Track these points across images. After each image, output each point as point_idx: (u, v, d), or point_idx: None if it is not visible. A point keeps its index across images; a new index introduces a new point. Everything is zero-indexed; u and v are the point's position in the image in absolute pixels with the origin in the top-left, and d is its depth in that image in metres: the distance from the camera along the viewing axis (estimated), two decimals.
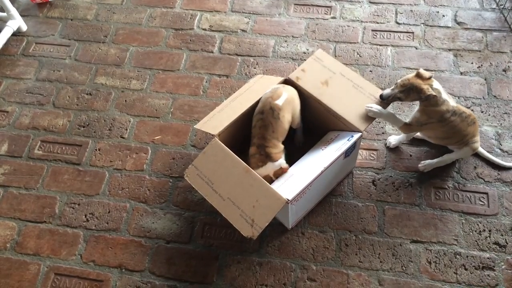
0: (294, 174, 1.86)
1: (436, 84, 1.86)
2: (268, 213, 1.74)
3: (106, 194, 2.19)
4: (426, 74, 1.86)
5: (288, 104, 1.94)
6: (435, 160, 2.10)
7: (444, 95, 1.88)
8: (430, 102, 1.86)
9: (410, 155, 2.19)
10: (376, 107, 1.90)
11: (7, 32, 2.74)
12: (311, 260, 1.95)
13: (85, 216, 2.13)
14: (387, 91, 1.91)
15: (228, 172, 1.84)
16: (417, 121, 1.93)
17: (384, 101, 1.92)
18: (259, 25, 2.77)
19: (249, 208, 1.77)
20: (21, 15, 2.85)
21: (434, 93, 1.83)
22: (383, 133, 2.27)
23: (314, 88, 2.03)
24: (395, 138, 2.19)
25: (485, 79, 2.42)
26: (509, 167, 2.11)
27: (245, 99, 2.04)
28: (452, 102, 1.90)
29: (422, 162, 2.13)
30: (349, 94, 1.99)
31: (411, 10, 2.75)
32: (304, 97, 2.05)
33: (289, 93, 1.97)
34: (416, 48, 2.58)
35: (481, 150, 2.13)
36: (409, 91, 1.85)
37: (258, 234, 1.72)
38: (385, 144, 2.22)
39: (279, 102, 1.92)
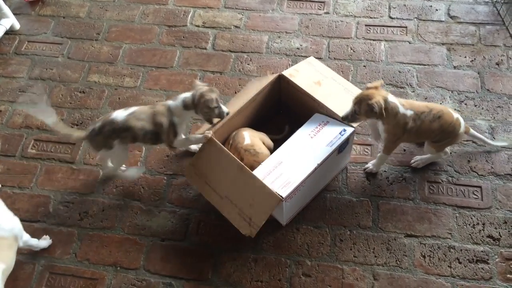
0: (283, 162, 1.84)
1: (391, 97, 1.84)
2: (265, 212, 1.74)
3: (100, 192, 2.18)
4: (373, 84, 1.84)
5: (255, 137, 1.99)
6: (426, 156, 2.11)
7: (401, 109, 1.84)
8: (388, 117, 1.83)
9: (404, 150, 2.19)
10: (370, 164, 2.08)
11: (0, 30, 2.72)
12: (306, 256, 1.96)
13: (79, 214, 2.12)
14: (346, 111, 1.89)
15: (223, 170, 1.84)
16: (390, 141, 1.94)
17: (346, 121, 1.89)
18: (253, 21, 2.76)
19: (246, 207, 1.77)
20: (13, 14, 2.82)
21: (380, 102, 1.78)
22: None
23: (307, 86, 2.03)
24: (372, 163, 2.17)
25: (478, 73, 2.42)
26: (499, 146, 2.12)
27: (240, 97, 2.04)
28: (409, 112, 1.86)
29: (415, 158, 2.13)
30: (341, 95, 2.00)
31: (404, 5, 2.74)
32: (298, 93, 2.05)
33: (247, 130, 2.02)
34: (410, 43, 2.58)
35: (473, 132, 2.08)
36: (361, 102, 1.80)
37: (256, 232, 1.73)
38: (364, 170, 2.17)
39: (247, 141, 1.96)
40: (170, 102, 1.88)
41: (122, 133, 1.86)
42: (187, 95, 1.87)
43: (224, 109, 1.89)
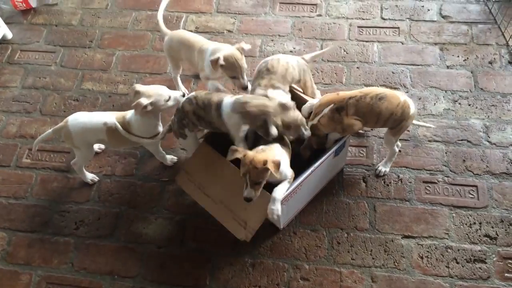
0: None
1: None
2: (260, 215, 1.74)
3: (96, 200, 2.17)
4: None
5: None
6: (384, 160, 2.13)
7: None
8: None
9: (400, 151, 2.19)
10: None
11: None
12: (303, 259, 1.95)
13: (75, 223, 2.11)
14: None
15: (217, 175, 1.84)
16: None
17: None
18: (245, 25, 2.76)
19: (241, 211, 1.76)
20: (5, 23, 2.81)
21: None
22: (372, 129, 2.27)
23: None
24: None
25: (471, 72, 2.43)
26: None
27: None
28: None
29: (376, 168, 2.14)
30: None
31: (396, 5, 2.75)
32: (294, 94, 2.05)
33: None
34: (402, 43, 2.58)
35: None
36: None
37: (251, 236, 1.72)
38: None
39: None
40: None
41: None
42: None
43: None
